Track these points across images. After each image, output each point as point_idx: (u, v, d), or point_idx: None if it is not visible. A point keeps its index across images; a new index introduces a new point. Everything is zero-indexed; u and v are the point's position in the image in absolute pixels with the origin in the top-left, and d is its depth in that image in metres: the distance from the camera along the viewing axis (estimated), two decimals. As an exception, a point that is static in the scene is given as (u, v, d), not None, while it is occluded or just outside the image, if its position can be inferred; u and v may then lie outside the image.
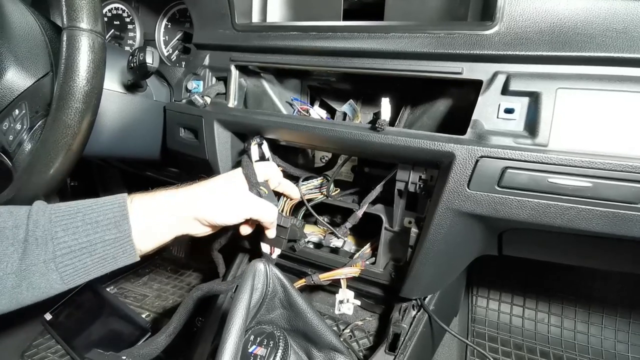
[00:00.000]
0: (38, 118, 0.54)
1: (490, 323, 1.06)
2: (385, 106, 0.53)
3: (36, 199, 0.48)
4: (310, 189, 0.71)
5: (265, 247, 0.68)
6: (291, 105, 0.76)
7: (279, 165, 0.69)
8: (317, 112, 0.71)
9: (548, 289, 1.03)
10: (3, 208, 0.45)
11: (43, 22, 0.60)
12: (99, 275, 0.49)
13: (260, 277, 0.47)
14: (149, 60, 0.58)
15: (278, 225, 0.64)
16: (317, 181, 0.72)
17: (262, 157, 0.68)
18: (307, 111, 0.72)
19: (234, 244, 0.82)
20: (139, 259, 0.51)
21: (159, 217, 0.51)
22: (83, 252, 0.45)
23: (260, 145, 0.68)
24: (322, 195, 0.71)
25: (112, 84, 0.68)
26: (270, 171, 0.63)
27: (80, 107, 0.47)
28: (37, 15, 0.61)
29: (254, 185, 0.59)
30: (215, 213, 0.54)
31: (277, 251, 0.68)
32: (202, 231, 0.56)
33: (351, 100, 0.72)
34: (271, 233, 0.63)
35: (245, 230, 0.62)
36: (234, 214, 0.56)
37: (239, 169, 0.61)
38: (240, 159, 0.66)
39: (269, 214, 0.59)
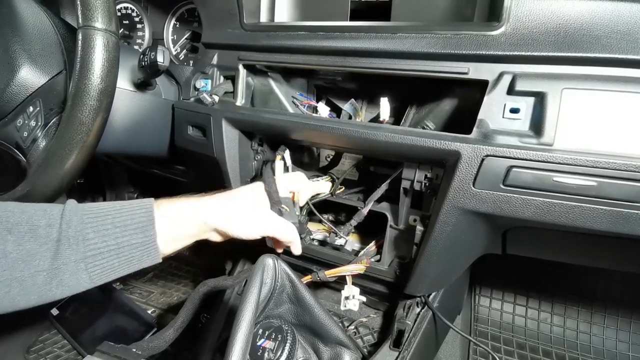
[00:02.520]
0: (52, 115, 0.55)
1: (492, 322, 1.06)
2: (385, 106, 0.54)
3: (50, 195, 0.49)
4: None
5: (270, 242, 0.69)
6: (295, 100, 0.77)
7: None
8: (323, 109, 0.72)
9: (551, 289, 1.04)
10: (37, 206, 0.46)
11: (56, 21, 0.62)
12: (124, 275, 0.51)
13: (269, 272, 0.48)
14: (160, 59, 0.59)
15: None
16: (322, 180, 0.73)
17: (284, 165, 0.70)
18: (313, 107, 0.72)
19: (240, 241, 0.83)
20: (161, 260, 0.53)
21: (182, 224, 0.54)
22: (111, 254, 0.47)
23: (283, 156, 0.69)
24: (327, 193, 0.72)
25: (123, 82, 0.69)
26: (297, 185, 0.66)
27: (95, 105, 0.48)
28: (49, 14, 0.62)
29: (275, 203, 0.60)
30: (235, 227, 0.57)
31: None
32: (221, 239, 0.59)
33: (352, 99, 0.73)
34: (295, 249, 0.64)
35: (268, 242, 0.65)
36: (253, 231, 0.58)
37: (261, 184, 0.63)
38: (262, 170, 0.68)
39: (287, 234, 0.61)
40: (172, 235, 0.53)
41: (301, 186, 0.66)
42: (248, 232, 0.58)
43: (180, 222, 0.54)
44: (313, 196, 0.70)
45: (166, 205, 0.53)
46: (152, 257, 0.51)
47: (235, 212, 0.58)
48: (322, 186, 0.70)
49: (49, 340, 1.02)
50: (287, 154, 0.69)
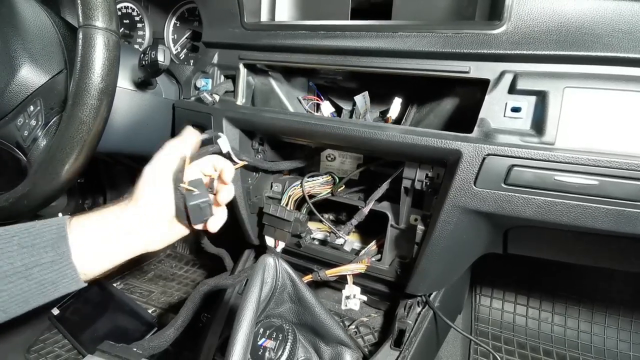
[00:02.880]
0: (53, 114, 0.55)
1: (493, 322, 1.06)
2: (396, 105, 0.54)
3: (51, 194, 0.49)
4: (315, 186, 0.72)
5: (269, 241, 0.69)
6: (300, 101, 0.77)
7: (242, 159, 0.64)
8: (326, 107, 0.72)
9: (552, 289, 1.04)
10: None
11: (56, 20, 0.61)
12: (40, 304, 0.46)
13: (270, 271, 0.48)
14: (160, 58, 0.59)
15: (281, 219, 0.65)
16: (322, 178, 0.73)
17: (220, 153, 0.62)
18: (316, 105, 0.72)
19: (241, 241, 0.84)
20: (84, 284, 0.48)
21: (102, 233, 0.48)
22: (19, 277, 0.43)
23: (216, 139, 0.62)
24: (326, 192, 0.72)
25: (123, 81, 0.69)
26: (219, 164, 0.57)
27: (96, 104, 0.48)
28: (49, 13, 0.62)
29: (177, 188, 0.54)
30: (146, 183, 0.52)
31: (281, 244, 0.69)
32: (158, 238, 0.53)
33: (366, 92, 0.72)
34: (226, 193, 0.56)
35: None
36: (159, 164, 0.53)
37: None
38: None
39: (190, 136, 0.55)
40: (93, 250, 0.47)
41: (224, 164, 0.57)
42: (154, 173, 0.52)
43: (98, 232, 0.48)
44: (312, 195, 0.70)
45: (78, 218, 0.48)
46: (70, 279, 0.46)
47: (138, 187, 0.52)
48: (224, 166, 0.57)
49: (49, 339, 1.02)
50: (223, 139, 0.62)
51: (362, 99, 0.70)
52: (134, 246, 0.51)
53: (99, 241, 0.48)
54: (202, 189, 0.53)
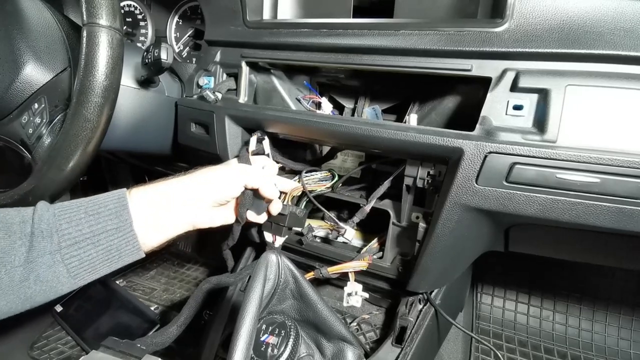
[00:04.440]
0: (57, 112, 0.55)
1: (494, 320, 1.06)
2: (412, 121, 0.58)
3: (55, 191, 0.49)
4: (313, 182, 0.71)
5: (268, 236, 0.69)
6: (299, 93, 0.77)
7: (278, 162, 0.70)
8: (326, 105, 0.72)
9: (553, 287, 1.04)
10: (11, 208, 0.46)
11: (60, 18, 0.62)
12: (106, 273, 0.50)
13: (272, 267, 0.48)
14: (163, 56, 0.59)
15: (278, 214, 0.66)
16: (320, 174, 0.73)
17: (262, 153, 0.70)
18: (317, 103, 0.72)
19: (242, 239, 0.84)
20: (143, 255, 0.52)
21: (158, 205, 0.52)
22: (87, 243, 0.46)
23: (260, 140, 0.69)
24: (325, 188, 0.72)
25: (126, 79, 0.70)
26: (266, 165, 0.66)
27: (100, 102, 0.48)
28: (53, 12, 0.62)
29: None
30: (212, 188, 0.56)
31: (280, 240, 0.68)
32: (207, 218, 0.58)
33: (376, 106, 0.73)
34: (274, 207, 0.64)
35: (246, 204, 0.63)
36: (227, 185, 0.57)
37: (235, 159, 0.64)
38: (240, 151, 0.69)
39: (263, 178, 0.60)
40: (151, 219, 0.51)
41: (266, 165, 0.67)
42: (226, 188, 0.57)
43: (156, 202, 0.52)
44: (312, 190, 0.70)
45: (138, 190, 0.52)
46: (132, 247, 0.50)
47: (209, 175, 0.57)
48: (290, 185, 0.68)
49: (52, 336, 1.02)
50: (266, 141, 0.69)
51: (372, 112, 0.70)
52: (184, 218, 0.55)
53: (154, 211, 0.52)
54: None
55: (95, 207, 0.48)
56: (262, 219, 0.67)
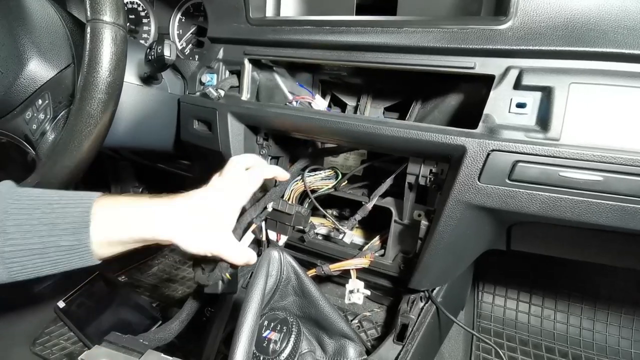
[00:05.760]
0: (61, 108, 0.56)
1: (495, 319, 1.06)
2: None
3: (59, 187, 0.49)
4: (316, 180, 0.72)
5: (271, 234, 0.69)
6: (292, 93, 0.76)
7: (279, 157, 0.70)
8: (319, 102, 0.71)
9: (554, 286, 1.04)
10: None
11: (63, 15, 0.62)
12: (49, 274, 0.46)
13: (274, 264, 0.48)
14: (166, 53, 0.59)
15: (283, 213, 0.66)
16: (324, 173, 0.73)
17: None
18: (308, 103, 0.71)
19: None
20: (98, 262, 0.48)
21: (123, 228, 0.47)
22: (34, 254, 0.43)
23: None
24: (328, 187, 0.72)
25: (129, 76, 0.70)
26: (253, 167, 0.59)
27: (103, 98, 0.48)
28: (57, 8, 0.62)
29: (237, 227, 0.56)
30: (183, 239, 0.50)
31: (283, 238, 0.69)
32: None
33: (383, 112, 0.74)
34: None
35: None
36: (202, 248, 0.52)
37: (237, 194, 0.55)
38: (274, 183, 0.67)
39: (239, 259, 0.54)
40: (108, 239, 0.46)
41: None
42: (196, 247, 0.51)
43: (121, 225, 0.47)
44: (314, 190, 0.70)
45: (109, 205, 0.47)
46: (85, 260, 0.46)
47: (188, 221, 0.50)
48: (279, 173, 0.62)
49: (55, 332, 1.03)
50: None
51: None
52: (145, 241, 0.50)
53: (117, 231, 0.47)
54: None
55: (53, 215, 0.43)
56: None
